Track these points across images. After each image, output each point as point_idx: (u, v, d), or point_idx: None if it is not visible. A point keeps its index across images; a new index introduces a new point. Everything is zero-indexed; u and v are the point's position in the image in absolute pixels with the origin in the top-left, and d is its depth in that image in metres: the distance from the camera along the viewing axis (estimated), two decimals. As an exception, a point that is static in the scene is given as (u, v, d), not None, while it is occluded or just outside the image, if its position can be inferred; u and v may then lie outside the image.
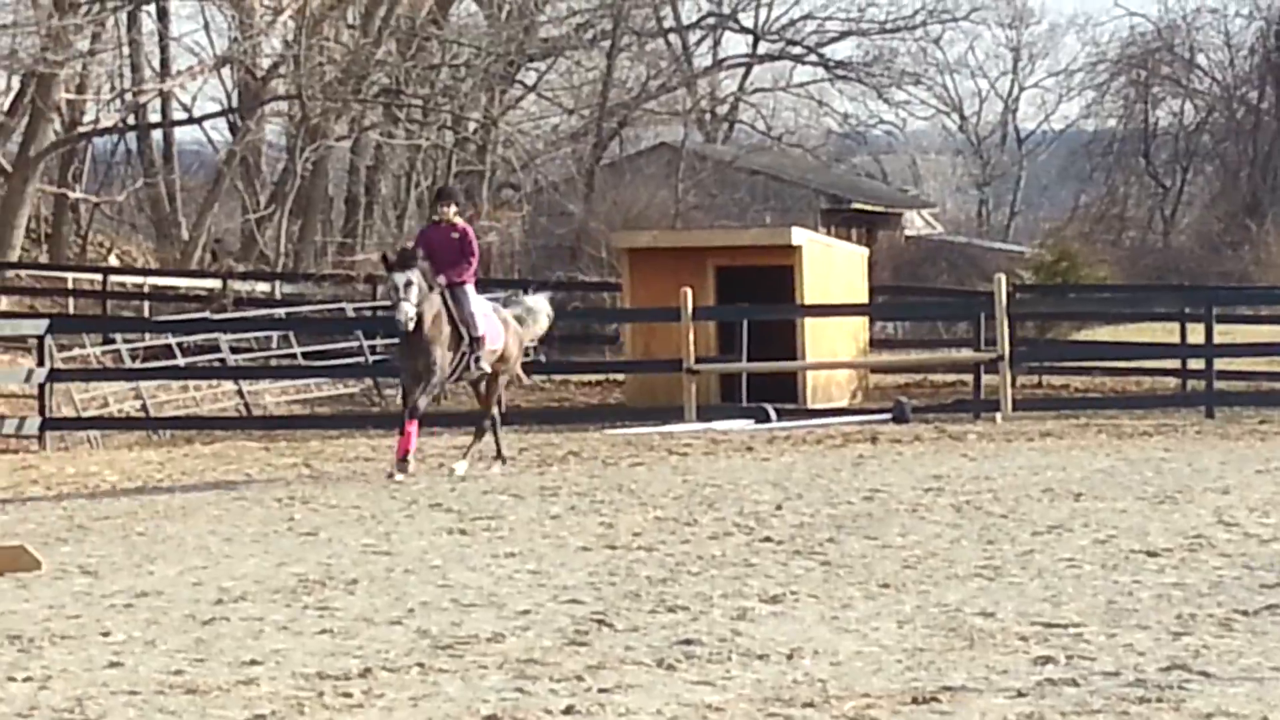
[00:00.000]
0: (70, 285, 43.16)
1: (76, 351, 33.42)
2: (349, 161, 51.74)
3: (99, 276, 43.53)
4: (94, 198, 47.74)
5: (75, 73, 42.94)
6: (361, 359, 35.93)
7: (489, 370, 16.33)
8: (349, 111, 47.27)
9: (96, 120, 46.62)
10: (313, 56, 44.96)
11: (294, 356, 37.20)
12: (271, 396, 35.08)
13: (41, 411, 23.52)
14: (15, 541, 11.04)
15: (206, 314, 39.55)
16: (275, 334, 38.59)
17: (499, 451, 16.69)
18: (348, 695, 6.92)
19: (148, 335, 35.50)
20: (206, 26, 51.40)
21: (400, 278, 15.46)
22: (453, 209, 16.86)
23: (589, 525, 12.64)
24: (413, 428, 16.00)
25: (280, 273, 46.37)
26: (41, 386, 23.57)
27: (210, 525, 13.05)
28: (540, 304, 17.85)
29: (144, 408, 31.13)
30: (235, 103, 48.77)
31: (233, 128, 48.81)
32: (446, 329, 15.74)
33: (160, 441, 24.79)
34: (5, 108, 43.63)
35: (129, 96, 48.05)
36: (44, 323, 26.38)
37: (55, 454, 22.20)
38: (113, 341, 35.26)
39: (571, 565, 10.61)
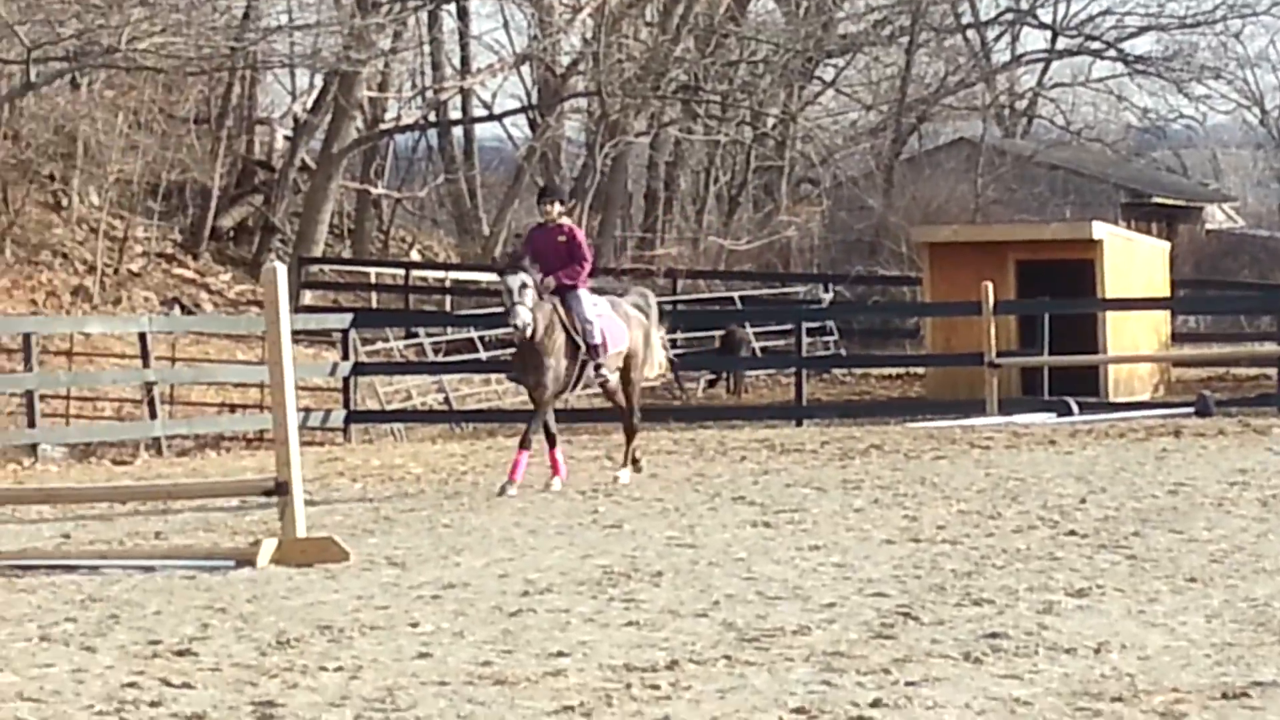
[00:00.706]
0: (373, 280, 44.21)
1: (380, 346, 34.23)
2: (648, 157, 52.15)
3: (401, 271, 44.48)
4: (396, 193, 48.85)
5: (377, 71, 43.95)
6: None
7: (611, 379, 15.42)
8: (648, 108, 47.62)
9: (398, 117, 47.68)
10: (612, 53, 45.39)
11: (595, 350, 37.55)
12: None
13: (346, 404, 24.12)
14: (323, 533, 11.25)
15: (511, 309, 40.15)
16: (575, 329, 39.02)
17: (627, 459, 15.79)
18: (655, 687, 6.91)
19: (449, 329, 36.14)
20: (506, 24, 52.24)
21: (514, 280, 14.48)
22: (557, 208, 15.42)
23: (892, 518, 12.57)
24: (522, 460, 14.96)
25: (581, 268, 46.91)
26: (346, 380, 24.18)
27: (515, 517, 13.19)
28: (648, 297, 17.06)
29: (446, 401, 31.77)
30: (535, 99, 49.44)
31: (532, 124, 49.49)
32: (561, 338, 14.78)
33: (463, 434, 25.21)
34: (309, 106, 44.88)
35: (430, 94, 49.06)
36: (348, 317, 27.02)
37: (360, 446, 22.75)
38: (415, 335, 36.01)
39: (875, 558, 10.54)
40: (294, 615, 8.71)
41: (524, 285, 14.35)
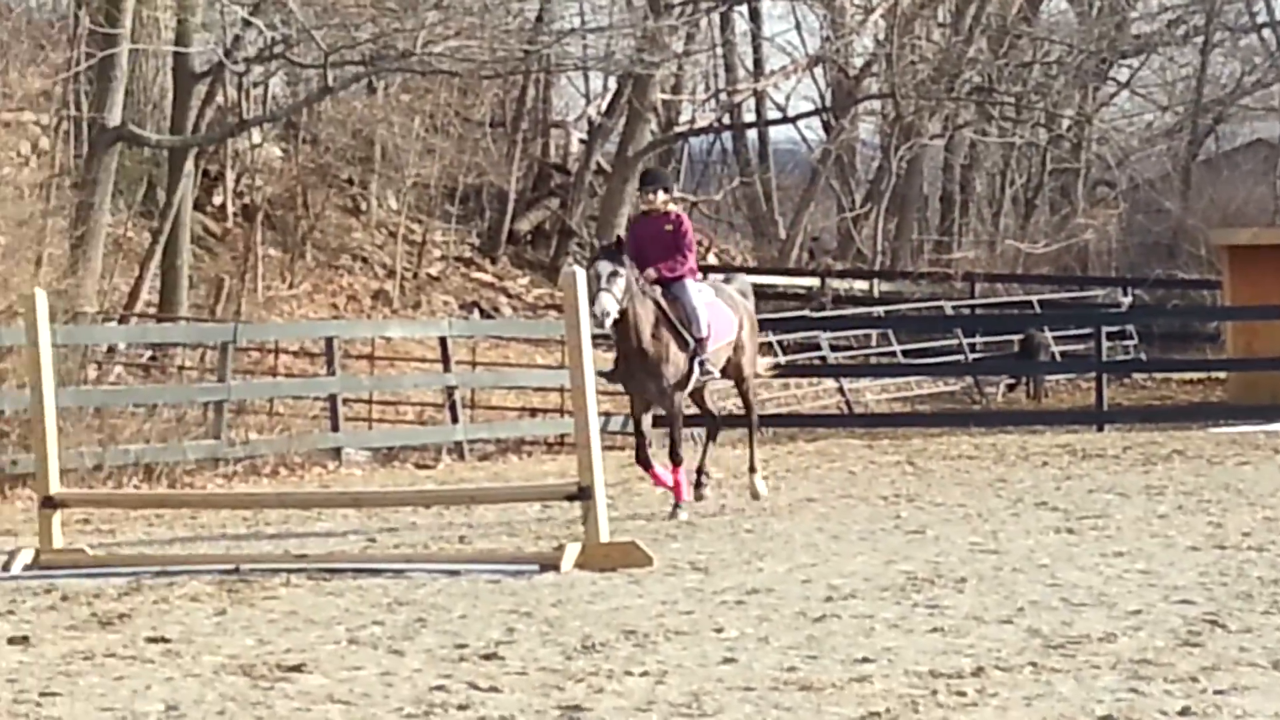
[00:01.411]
0: (669, 283, 44.47)
1: (686, 348, 34.44)
2: (943, 160, 51.76)
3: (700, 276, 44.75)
4: (691, 196, 49.12)
5: (671, 74, 44.28)
6: (961, 357, 35.80)
7: (716, 375, 14.19)
8: (942, 110, 47.25)
9: (692, 120, 47.97)
10: (905, 55, 45.14)
11: (893, 354, 37.43)
12: (872, 394, 35.40)
13: (647, 409, 24.28)
14: (626, 537, 11.38)
15: (806, 312, 40.22)
16: (874, 332, 38.93)
17: (701, 466, 14.55)
18: (961, 694, 6.89)
19: (746, 333, 36.21)
20: (798, 26, 52.20)
21: (605, 266, 13.17)
22: (661, 195, 14.13)
23: (1197, 524, 12.47)
24: (680, 475, 14.02)
25: (878, 271, 46.76)
26: (646, 384, 24.34)
27: (817, 522, 13.22)
28: (746, 287, 15.77)
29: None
30: (829, 102, 49.33)
31: (826, 126, 49.40)
32: (669, 338, 13.55)
33: (762, 439, 25.20)
34: (603, 109, 45.39)
35: (723, 96, 49.29)
36: (648, 320, 27.21)
37: (660, 451, 22.90)
38: (721, 338, 36.18)
39: (1181, 565, 10.45)
40: (598, 620, 8.83)
41: (614, 273, 13.10)
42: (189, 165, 29.81)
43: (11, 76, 29.76)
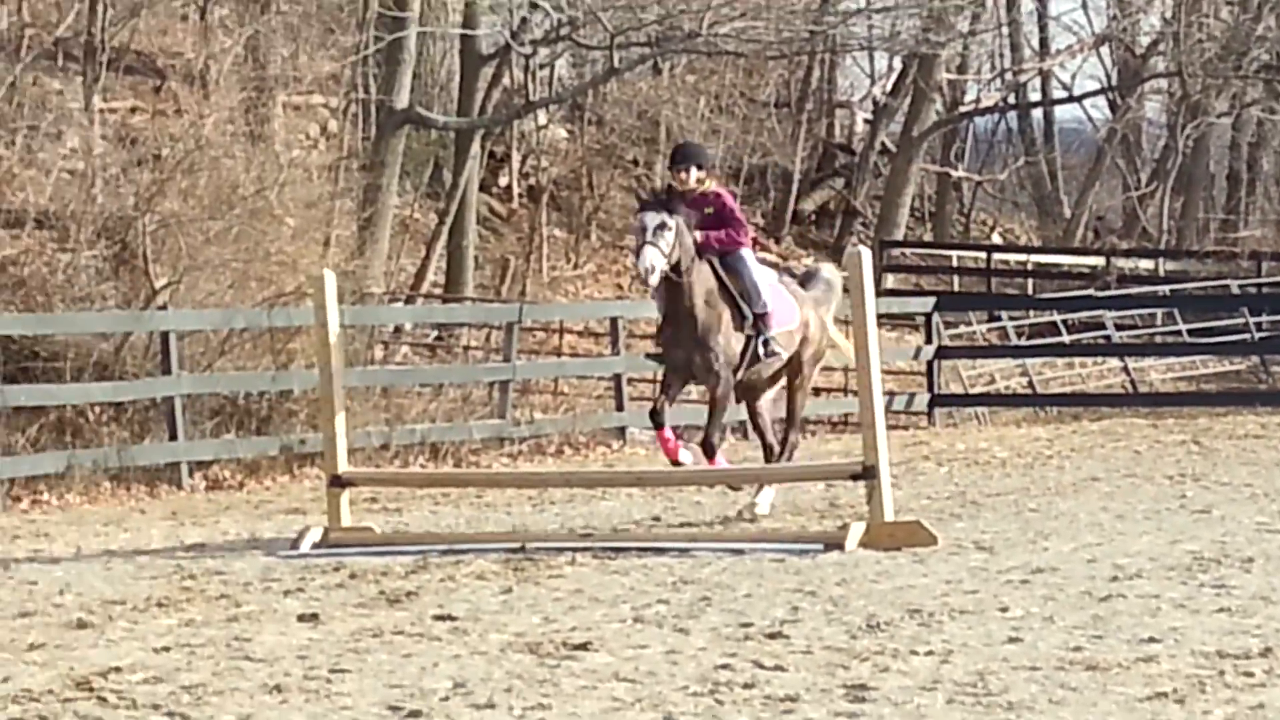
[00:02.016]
0: (954, 263, 44.05)
1: (963, 329, 34.13)
2: (1230, 138, 50.31)
3: (983, 254, 44.24)
4: (976, 176, 48.52)
5: (956, 53, 43.77)
6: (1247, 335, 34.87)
7: (783, 356, 12.23)
8: (1229, 88, 45.88)
9: (977, 100, 47.35)
10: (1192, 33, 43.91)
11: (1178, 333, 36.61)
12: (1157, 373, 34.70)
13: (930, 388, 24.12)
14: (910, 516, 11.32)
15: (1090, 291, 39.55)
16: (1159, 311, 38.12)
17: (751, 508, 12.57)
18: (1249, 674, 6.81)
19: (1032, 312, 35.75)
20: (1085, 5, 50.98)
21: (651, 218, 11.54)
22: (694, 174, 12.03)
23: None
24: (717, 461, 12.32)
25: (1163, 250, 45.69)
26: (930, 363, 24.19)
27: (1102, 502, 13.04)
28: (835, 278, 13.30)
29: (1030, 384, 31.47)
30: (1114, 80, 48.29)
31: (1112, 105, 48.38)
32: (724, 308, 11.84)
33: (1047, 418, 24.85)
34: (888, 89, 45.09)
35: (1009, 76, 48.57)
36: (930, 300, 27.04)
37: (944, 430, 22.73)
38: (998, 319, 35.77)
39: None
40: (883, 599, 8.81)
41: (662, 225, 11.42)
42: (475, 147, 30.26)
43: (301, 60, 30.50)
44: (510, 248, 36.07)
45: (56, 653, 7.90)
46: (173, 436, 17.24)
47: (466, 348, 28.29)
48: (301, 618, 8.75)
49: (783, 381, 12.86)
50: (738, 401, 12.85)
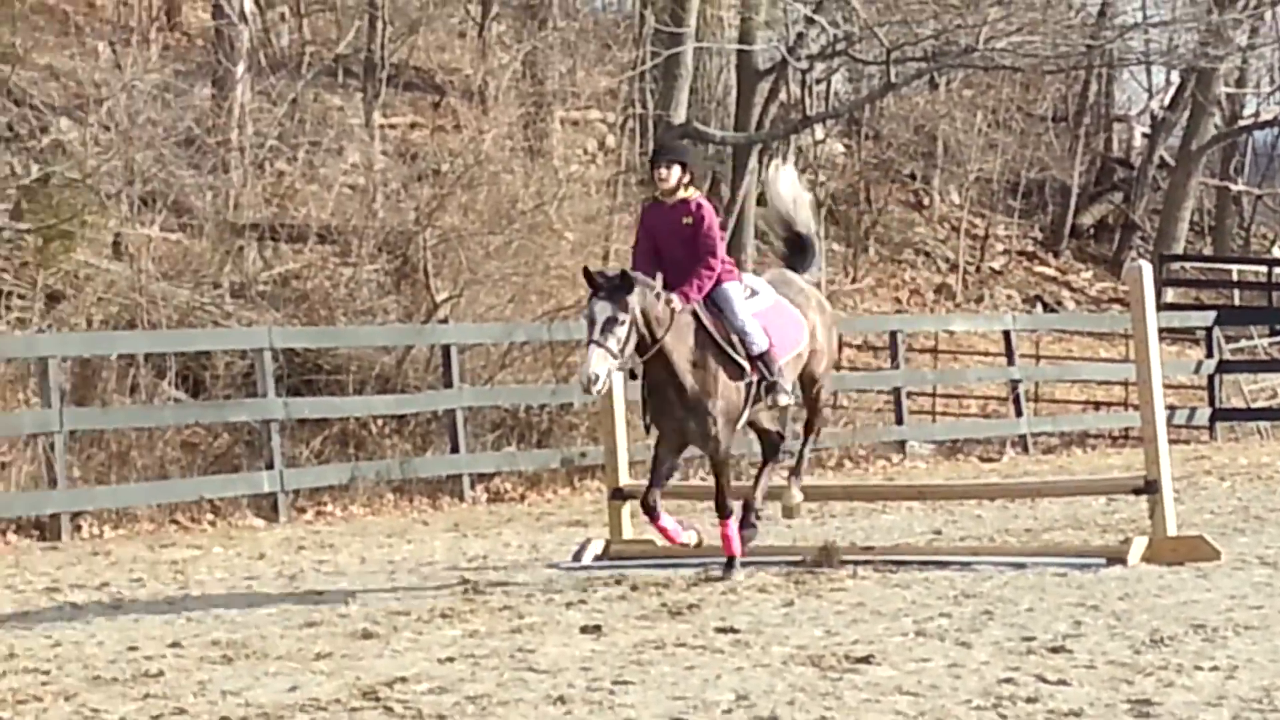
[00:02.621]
0: (1234, 277, 42.86)
1: (1244, 343, 33.20)
2: None
3: (1263, 268, 42.99)
4: (1256, 190, 47.20)
5: (1235, 67, 42.64)
6: None
7: (794, 400, 11.02)
8: None
9: (1256, 113, 46.08)
10: None
11: None
12: None
13: (1211, 402, 23.57)
14: (1193, 531, 11.07)
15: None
16: None
17: (751, 500, 11.01)
18: None
19: (1314, 327, 34.68)
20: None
21: (600, 310, 9.81)
22: (675, 174, 10.26)
23: None
24: (730, 529, 10.59)
25: None
26: (1211, 377, 23.64)
27: None
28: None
29: (1311, 400, 30.58)
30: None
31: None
32: (716, 367, 10.23)
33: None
34: (1166, 103, 44.11)
35: (1288, 89, 47.29)
36: (1210, 315, 26.42)
37: (1226, 444, 22.22)
38: (1279, 333, 34.77)
39: None
40: (1166, 613, 8.64)
41: (611, 320, 9.75)
42: (753, 161, 30.22)
43: (579, 76, 30.76)
44: (788, 260, 35.94)
45: (343, 662, 8.06)
46: (454, 449, 17.56)
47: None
48: (584, 629, 8.83)
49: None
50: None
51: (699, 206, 10.35)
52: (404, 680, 7.56)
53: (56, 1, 25.64)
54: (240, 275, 20.27)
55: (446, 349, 17.73)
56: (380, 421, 18.27)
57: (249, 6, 24.31)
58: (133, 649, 8.58)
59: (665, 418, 10.48)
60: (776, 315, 10.47)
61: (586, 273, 10.30)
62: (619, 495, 11.78)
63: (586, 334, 9.92)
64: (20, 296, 18.32)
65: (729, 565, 10.59)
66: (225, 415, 17.21)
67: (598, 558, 11.61)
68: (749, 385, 10.35)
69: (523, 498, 17.31)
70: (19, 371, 16.77)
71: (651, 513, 10.47)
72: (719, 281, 10.30)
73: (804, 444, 11.72)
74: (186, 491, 16.04)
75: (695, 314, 10.21)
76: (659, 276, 10.16)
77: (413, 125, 28.34)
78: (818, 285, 12.08)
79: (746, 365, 10.26)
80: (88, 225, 19.17)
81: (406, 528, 14.88)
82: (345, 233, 21.09)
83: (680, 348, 10.09)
